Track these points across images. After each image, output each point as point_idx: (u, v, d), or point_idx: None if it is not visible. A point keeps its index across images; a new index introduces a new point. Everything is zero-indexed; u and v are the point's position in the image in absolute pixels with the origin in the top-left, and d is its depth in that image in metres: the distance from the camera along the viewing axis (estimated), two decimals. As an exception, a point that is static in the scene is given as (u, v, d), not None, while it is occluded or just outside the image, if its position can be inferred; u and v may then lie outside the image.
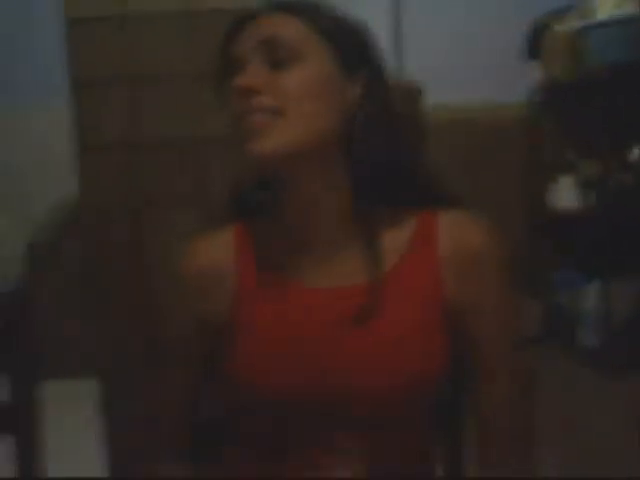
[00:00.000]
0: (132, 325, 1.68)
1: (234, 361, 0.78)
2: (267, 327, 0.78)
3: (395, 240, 0.79)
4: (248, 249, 0.83)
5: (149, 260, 1.92)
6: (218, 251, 0.84)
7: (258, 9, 0.80)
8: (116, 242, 1.97)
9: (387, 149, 0.78)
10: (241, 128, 0.75)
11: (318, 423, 0.76)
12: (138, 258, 1.93)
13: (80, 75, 1.83)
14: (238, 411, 0.83)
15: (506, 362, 0.80)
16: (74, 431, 2.22)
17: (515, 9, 3.00)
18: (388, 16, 3.06)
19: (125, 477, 1.66)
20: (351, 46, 0.79)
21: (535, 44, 2.95)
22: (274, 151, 0.73)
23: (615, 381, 2.41)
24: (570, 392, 2.40)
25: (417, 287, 0.77)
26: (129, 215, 2.08)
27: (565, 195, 2.87)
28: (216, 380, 0.84)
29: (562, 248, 3.12)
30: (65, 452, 1.95)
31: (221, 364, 0.80)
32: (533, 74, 3.02)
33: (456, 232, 0.78)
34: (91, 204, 2.05)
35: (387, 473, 0.78)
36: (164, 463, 0.88)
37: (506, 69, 3.01)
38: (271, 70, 0.75)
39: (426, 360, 0.75)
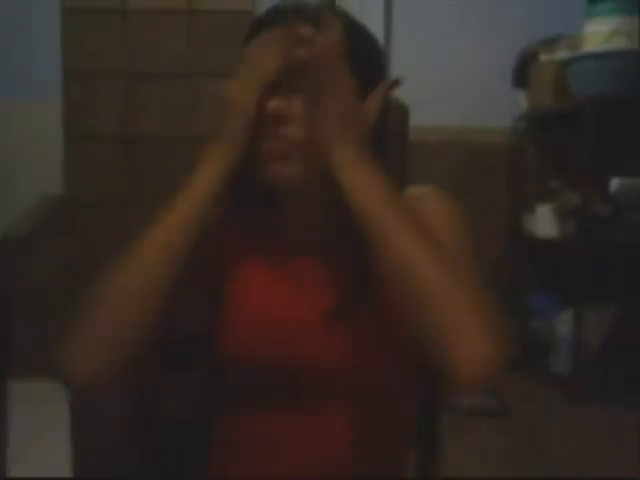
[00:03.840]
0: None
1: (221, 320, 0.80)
2: (256, 294, 0.80)
3: None
4: (241, 228, 0.85)
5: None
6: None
7: (292, 11, 0.77)
8: (102, 238, 1.94)
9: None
10: (262, 148, 0.76)
11: (301, 391, 0.78)
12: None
13: (73, 68, 1.81)
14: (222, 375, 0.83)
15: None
16: (39, 431, 2.16)
17: (504, 36, 3.05)
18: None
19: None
20: (373, 83, 0.80)
21: (522, 72, 3.00)
22: (297, 174, 0.76)
23: (586, 408, 2.43)
24: (543, 418, 2.41)
25: None
26: (118, 209, 2.04)
27: (544, 222, 2.90)
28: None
29: (539, 274, 3.15)
30: (29, 453, 1.91)
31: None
32: (519, 101, 3.07)
33: (416, 203, 0.82)
34: (76, 198, 2.02)
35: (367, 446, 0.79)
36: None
37: (492, 95, 3.05)
38: (303, 97, 0.76)
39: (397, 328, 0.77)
